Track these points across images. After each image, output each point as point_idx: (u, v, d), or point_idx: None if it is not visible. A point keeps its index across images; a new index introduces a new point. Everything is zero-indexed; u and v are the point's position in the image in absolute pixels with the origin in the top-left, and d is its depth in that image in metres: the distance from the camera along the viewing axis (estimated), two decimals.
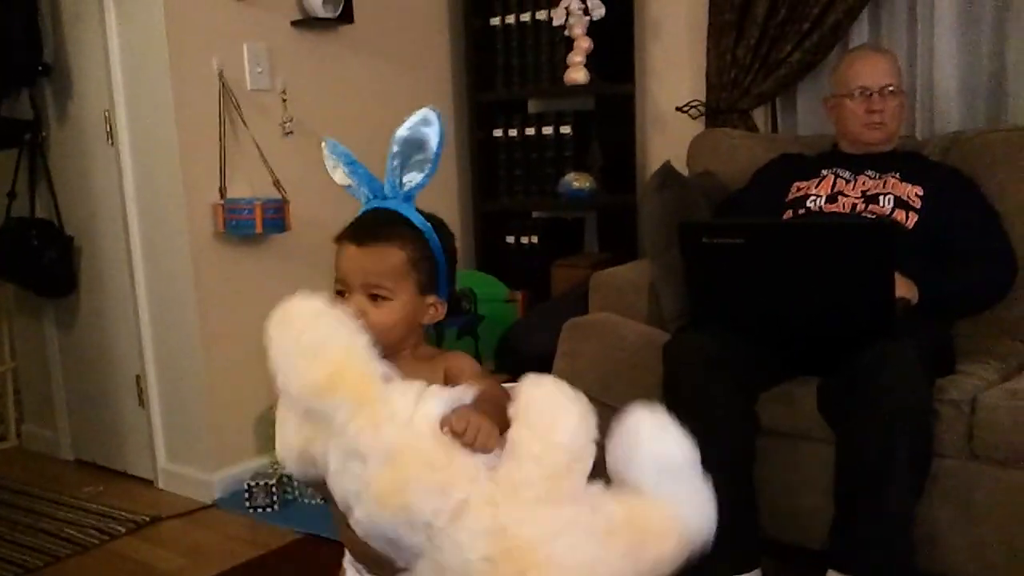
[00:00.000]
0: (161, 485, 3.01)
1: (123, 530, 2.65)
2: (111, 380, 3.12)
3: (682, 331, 2.18)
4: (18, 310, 3.42)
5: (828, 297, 1.95)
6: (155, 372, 2.98)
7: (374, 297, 1.31)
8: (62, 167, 3.11)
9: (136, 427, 3.05)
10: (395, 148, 1.33)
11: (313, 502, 2.73)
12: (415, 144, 1.32)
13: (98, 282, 3.09)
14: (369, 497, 1.12)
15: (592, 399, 2.46)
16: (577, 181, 3.27)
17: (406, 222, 1.35)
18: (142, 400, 3.01)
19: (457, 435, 1.15)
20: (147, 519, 2.72)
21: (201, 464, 2.90)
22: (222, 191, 2.82)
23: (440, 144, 1.33)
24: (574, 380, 2.45)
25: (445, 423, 1.15)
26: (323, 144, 1.39)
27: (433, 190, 1.36)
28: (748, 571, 2.02)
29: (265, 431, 2.85)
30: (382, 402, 1.14)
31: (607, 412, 2.38)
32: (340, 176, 1.38)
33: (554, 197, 3.37)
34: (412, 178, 1.34)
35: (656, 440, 1.20)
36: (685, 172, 2.79)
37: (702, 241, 2.04)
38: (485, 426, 1.17)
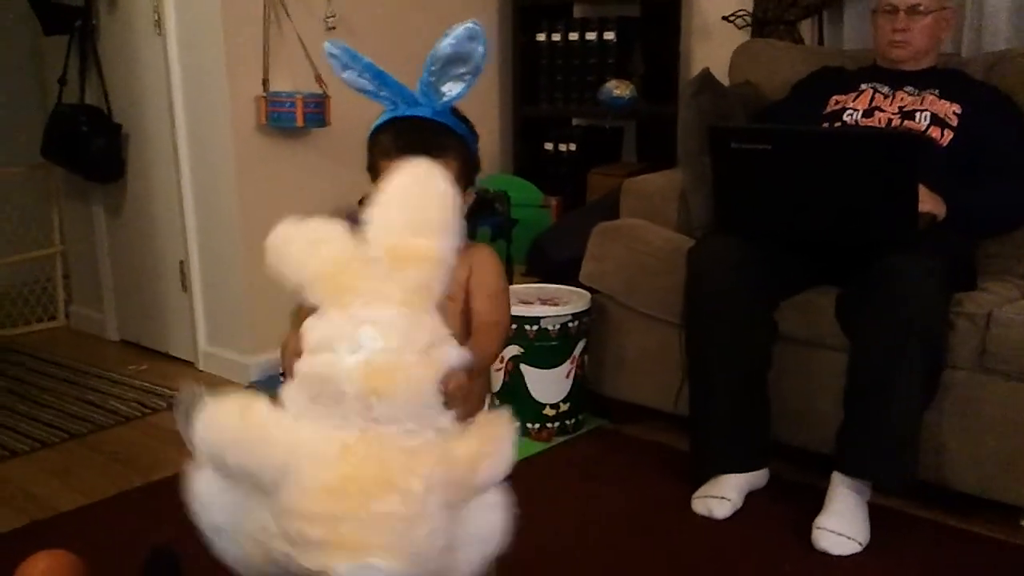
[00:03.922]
0: (201, 366, 3.13)
1: (164, 404, 2.78)
2: (156, 265, 3.23)
3: (708, 236, 2.21)
4: (67, 194, 3.53)
5: (852, 206, 1.97)
6: (198, 258, 3.07)
7: None
8: (111, 55, 3.17)
9: (179, 311, 3.17)
10: (437, 64, 1.34)
11: None
12: (458, 59, 1.34)
13: (145, 169, 3.17)
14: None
15: (617, 302, 2.53)
16: (618, 89, 3.25)
17: (450, 131, 1.38)
18: (185, 285, 3.12)
19: (446, 394, 1.19)
20: None
21: (239, 348, 3.01)
22: (265, 84, 2.87)
23: (484, 58, 1.34)
24: (600, 282, 2.53)
25: (447, 379, 1.18)
26: (326, 45, 1.37)
27: (473, 94, 1.38)
28: (757, 470, 2.10)
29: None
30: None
31: (631, 315, 2.46)
32: (350, 76, 1.38)
33: (594, 104, 3.36)
34: (451, 88, 1.36)
35: None
36: (726, 82, 2.78)
37: (731, 146, 2.05)
38: (467, 397, 1.23)
